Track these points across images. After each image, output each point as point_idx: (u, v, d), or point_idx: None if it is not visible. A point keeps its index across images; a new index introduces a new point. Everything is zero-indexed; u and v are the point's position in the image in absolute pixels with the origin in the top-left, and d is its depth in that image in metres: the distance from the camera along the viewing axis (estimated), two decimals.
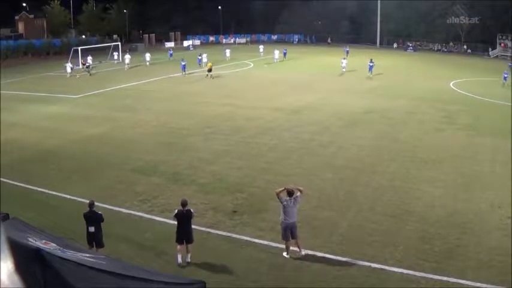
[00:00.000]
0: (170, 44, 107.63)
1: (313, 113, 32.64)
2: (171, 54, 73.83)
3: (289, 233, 13.62)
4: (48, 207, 18.10)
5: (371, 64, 50.37)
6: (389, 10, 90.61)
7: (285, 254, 13.80)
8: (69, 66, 56.77)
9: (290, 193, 13.67)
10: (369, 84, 43.80)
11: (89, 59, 62.70)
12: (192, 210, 13.87)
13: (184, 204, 13.72)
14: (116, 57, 71.26)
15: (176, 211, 13.78)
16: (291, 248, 13.79)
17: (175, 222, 13.77)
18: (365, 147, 24.54)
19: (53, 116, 35.03)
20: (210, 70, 50.35)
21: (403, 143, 25.14)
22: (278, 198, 13.70)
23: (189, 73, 53.47)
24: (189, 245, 13.73)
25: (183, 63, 53.99)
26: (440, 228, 15.29)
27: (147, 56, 66.57)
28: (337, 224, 15.76)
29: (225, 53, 69.58)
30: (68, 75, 54.97)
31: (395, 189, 18.73)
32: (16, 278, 4.87)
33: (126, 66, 62.01)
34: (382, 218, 16.08)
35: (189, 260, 13.62)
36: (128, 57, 63.38)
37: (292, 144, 25.17)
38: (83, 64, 64.77)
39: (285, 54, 69.82)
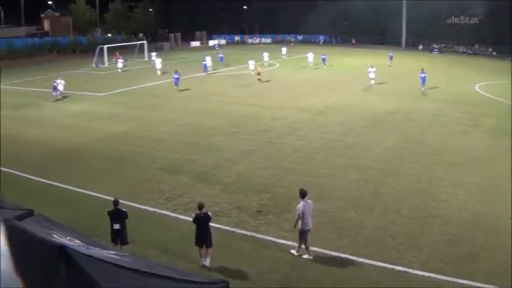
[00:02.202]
0: (196, 44, 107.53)
1: (338, 114, 32.48)
2: (221, 59, 63.79)
3: (307, 235, 13.64)
4: (72, 204, 18.29)
5: (423, 75, 40.99)
6: (415, 11, 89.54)
7: (302, 255, 13.79)
8: (60, 83, 42.16)
9: (303, 194, 13.62)
10: (392, 85, 43.18)
11: (120, 61, 61.90)
12: (209, 213, 13.69)
13: (201, 207, 13.49)
14: (153, 57, 65.40)
15: (194, 215, 13.62)
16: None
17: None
18: (390, 149, 24.35)
19: (78, 113, 35.37)
20: (259, 74, 47.37)
21: (427, 145, 24.82)
22: (298, 218, 13.54)
23: (182, 89, 43.25)
24: (209, 249, 13.45)
25: (175, 76, 43.67)
26: (466, 232, 15.11)
27: (208, 59, 56.55)
28: (362, 225, 15.69)
29: (263, 56, 64.00)
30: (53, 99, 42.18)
31: (420, 192, 18.54)
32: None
33: (158, 71, 54.34)
34: (407, 221, 15.93)
35: (208, 265, 13.34)
36: (159, 60, 56.39)
37: (317, 145, 25.08)
38: (117, 60, 65.43)
39: (323, 60, 60.08)
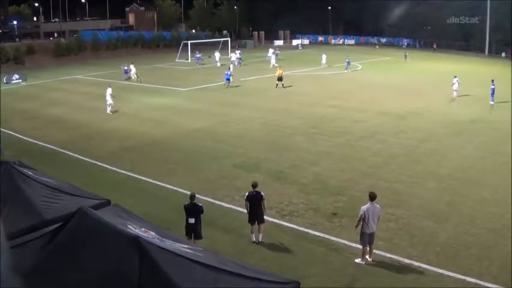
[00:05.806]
0: (279, 42, 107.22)
1: (419, 120, 31.80)
2: (348, 63, 59.35)
3: (367, 239, 13.54)
4: (149, 196, 18.84)
5: (492, 87, 37.41)
6: (500, 18, 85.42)
7: (358, 260, 13.70)
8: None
9: (372, 197, 13.49)
10: (474, 92, 41.51)
11: (217, 55, 63.95)
12: (262, 193, 14.40)
13: (254, 186, 14.33)
14: (234, 57, 63.91)
15: (247, 194, 14.40)
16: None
17: (245, 210, 14.51)
18: (469, 158, 23.66)
19: (160, 107, 36.49)
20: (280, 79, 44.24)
21: (507, 156, 23.65)
22: (360, 219, 13.45)
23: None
24: (261, 225, 14.40)
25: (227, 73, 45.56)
26: None
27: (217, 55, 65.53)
28: (436, 235, 15.42)
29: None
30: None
31: (497, 203, 17.92)
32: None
33: (217, 63, 62.90)
34: (481, 232, 15.53)
35: (260, 240, 14.35)
36: (218, 55, 65.04)
37: (396, 150, 24.76)
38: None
39: (348, 63, 58.84)
